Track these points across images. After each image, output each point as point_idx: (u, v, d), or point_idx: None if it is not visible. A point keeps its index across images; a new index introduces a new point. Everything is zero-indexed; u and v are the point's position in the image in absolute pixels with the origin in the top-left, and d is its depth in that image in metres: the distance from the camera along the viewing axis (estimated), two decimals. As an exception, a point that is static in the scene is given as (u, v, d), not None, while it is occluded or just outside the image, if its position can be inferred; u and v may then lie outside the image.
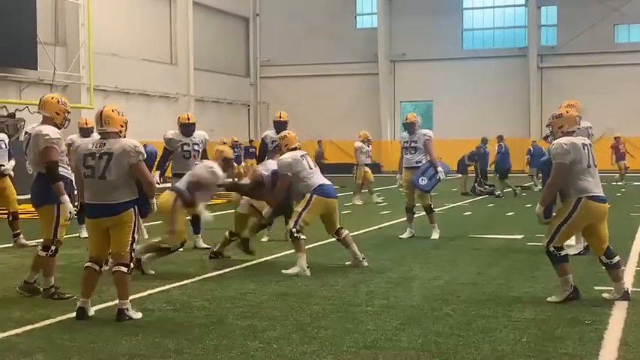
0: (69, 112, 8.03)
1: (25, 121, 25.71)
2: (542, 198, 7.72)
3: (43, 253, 7.93)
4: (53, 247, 7.92)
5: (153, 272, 9.31)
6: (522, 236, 12.95)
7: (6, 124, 24.69)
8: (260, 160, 12.52)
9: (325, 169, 32.46)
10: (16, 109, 26.54)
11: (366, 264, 9.82)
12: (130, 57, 34.43)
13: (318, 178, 9.76)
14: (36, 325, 6.80)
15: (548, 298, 7.66)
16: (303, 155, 9.94)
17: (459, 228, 14.33)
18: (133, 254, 7.10)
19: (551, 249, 7.60)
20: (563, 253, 7.62)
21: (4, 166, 12.07)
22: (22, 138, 25.13)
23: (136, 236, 7.09)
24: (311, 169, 9.83)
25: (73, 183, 8.43)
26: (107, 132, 7.01)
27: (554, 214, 7.76)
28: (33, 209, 8.36)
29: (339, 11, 43.87)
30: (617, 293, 7.63)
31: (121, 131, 7.06)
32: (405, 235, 12.63)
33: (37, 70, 28.60)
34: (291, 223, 9.49)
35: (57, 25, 31.22)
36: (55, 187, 7.68)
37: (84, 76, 30.44)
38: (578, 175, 7.50)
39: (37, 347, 6.07)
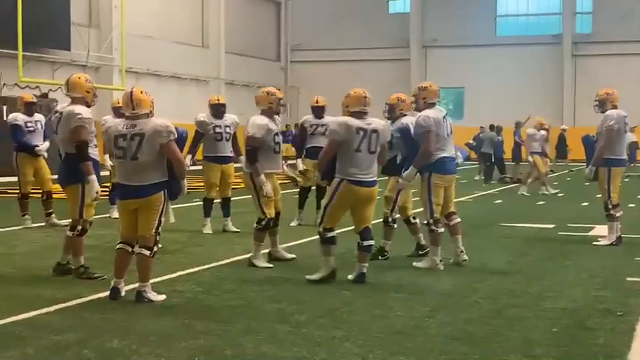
0: (95, 89, 8.12)
1: (57, 102, 25.87)
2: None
3: (70, 233, 7.99)
4: (79, 227, 7.96)
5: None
6: (553, 225, 12.84)
7: (39, 105, 24.83)
8: (299, 145, 12.54)
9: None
10: (49, 90, 26.73)
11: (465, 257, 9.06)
12: (161, 39, 34.57)
13: (442, 152, 8.68)
14: (68, 304, 6.85)
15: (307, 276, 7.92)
16: (445, 116, 8.80)
17: (489, 216, 14.25)
18: (158, 238, 7.08)
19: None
20: None
21: (38, 146, 12.17)
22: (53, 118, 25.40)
23: (162, 219, 7.05)
24: (448, 136, 8.75)
25: (99, 165, 8.39)
26: (138, 114, 6.97)
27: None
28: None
29: (372, -4, 43.69)
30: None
31: (151, 112, 7.04)
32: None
33: (70, 51, 28.83)
34: (427, 214, 8.76)
35: (90, 7, 31.40)
36: (83, 167, 7.71)
37: (116, 57, 30.60)
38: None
39: (68, 325, 6.12)
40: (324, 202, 8.01)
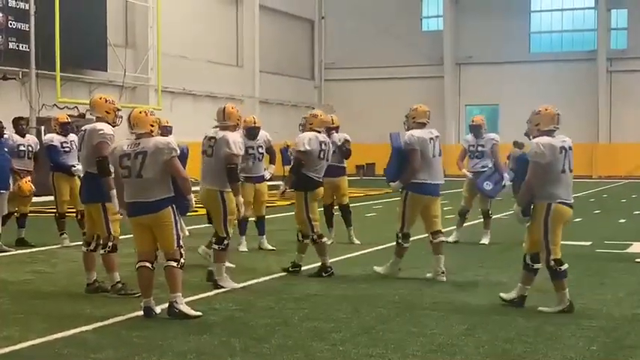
0: (119, 110, 8.22)
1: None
2: None
3: (102, 251, 8.09)
4: (110, 244, 8.06)
5: None
6: (590, 243, 12.72)
7: (76, 125, 25.23)
8: None
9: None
10: (87, 110, 27.03)
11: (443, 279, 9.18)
12: (197, 59, 34.88)
13: (425, 173, 8.97)
14: (106, 322, 6.93)
15: (540, 308, 7.44)
16: (432, 138, 9.08)
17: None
18: (182, 250, 7.20)
19: None
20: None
21: (74, 166, 12.32)
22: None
23: (180, 233, 7.20)
24: (433, 157, 9.02)
25: None
26: (139, 133, 7.17)
27: None
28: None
29: (405, 14, 43.81)
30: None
31: (151, 131, 7.18)
32: (450, 239, 12.44)
33: (106, 71, 29.17)
34: (398, 226, 9.10)
35: (127, 28, 31.79)
36: (104, 182, 7.82)
37: (152, 77, 30.92)
38: None
39: (106, 343, 6.18)
40: (539, 234, 7.43)
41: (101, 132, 7.87)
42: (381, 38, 43.40)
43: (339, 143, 12.24)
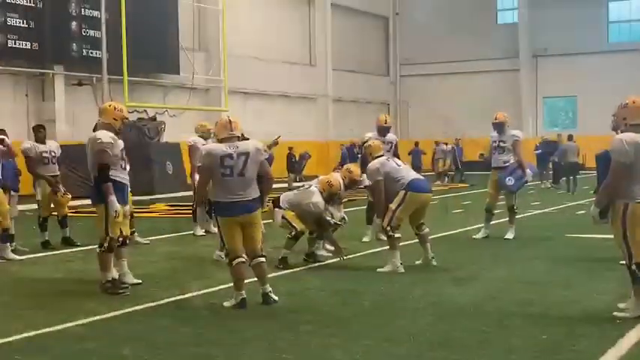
0: (126, 118, 8.69)
1: (165, 124, 27.16)
2: None
3: (98, 250, 8.59)
4: (106, 244, 8.44)
5: None
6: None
7: (147, 127, 26.26)
8: (362, 163, 12.77)
9: (466, 166, 32.59)
10: (156, 113, 28.07)
11: (434, 263, 9.88)
12: (269, 59, 35.54)
13: (410, 175, 9.82)
14: (96, 317, 7.27)
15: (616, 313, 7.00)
16: (388, 158, 10.18)
17: (557, 228, 13.99)
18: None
19: None
20: None
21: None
22: (162, 140, 26.64)
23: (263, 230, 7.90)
24: (399, 166, 9.96)
25: (127, 187, 8.90)
26: (235, 136, 7.65)
27: None
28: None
29: (480, 7, 43.51)
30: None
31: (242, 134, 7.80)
32: (479, 236, 12.54)
33: (179, 74, 30.11)
34: (385, 220, 9.61)
35: (199, 31, 32.67)
36: (104, 188, 8.31)
37: (224, 79, 31.67)
38: None
39: (92, 336, 6.62)
40: (618, 236, 6.77)
41: (99, 141, 8.35)
42: (455, 32, 43.16)
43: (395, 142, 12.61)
